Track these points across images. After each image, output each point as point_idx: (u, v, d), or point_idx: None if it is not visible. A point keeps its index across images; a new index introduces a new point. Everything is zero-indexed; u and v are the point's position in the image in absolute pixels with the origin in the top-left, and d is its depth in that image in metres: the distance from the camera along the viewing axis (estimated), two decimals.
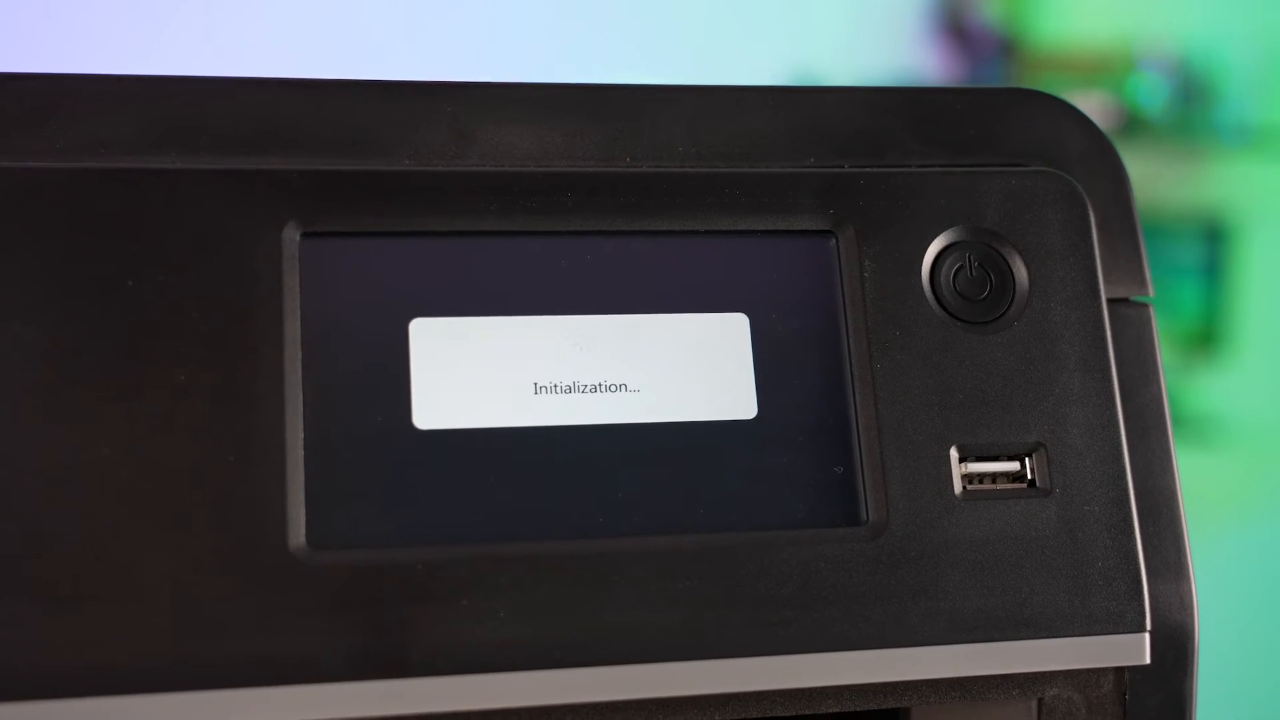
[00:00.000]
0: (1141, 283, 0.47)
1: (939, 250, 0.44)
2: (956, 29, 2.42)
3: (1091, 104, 2.26)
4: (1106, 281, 0.45)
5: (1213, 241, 2.49)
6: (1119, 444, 0.43)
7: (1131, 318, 0.46)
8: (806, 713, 0.42)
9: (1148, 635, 0.43)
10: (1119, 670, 0.44)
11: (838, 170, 0.44)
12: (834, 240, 0.44)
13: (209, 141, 0.42)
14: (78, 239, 0.39)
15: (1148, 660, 0.43)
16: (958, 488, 0.42)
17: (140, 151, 0.41)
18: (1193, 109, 2.46)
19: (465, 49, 2.12)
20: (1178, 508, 0.46)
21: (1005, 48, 2.46)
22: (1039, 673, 0.43)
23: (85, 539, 0.38)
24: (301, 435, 0.39)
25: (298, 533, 0.39)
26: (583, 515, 0.41)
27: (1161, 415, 0.46)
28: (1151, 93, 2.47)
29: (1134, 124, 2.40)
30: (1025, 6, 2.52)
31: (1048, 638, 0.42)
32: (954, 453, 0.43)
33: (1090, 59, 2.52)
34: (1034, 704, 0.44)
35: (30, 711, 0.37)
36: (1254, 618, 2.25)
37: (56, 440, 0.38)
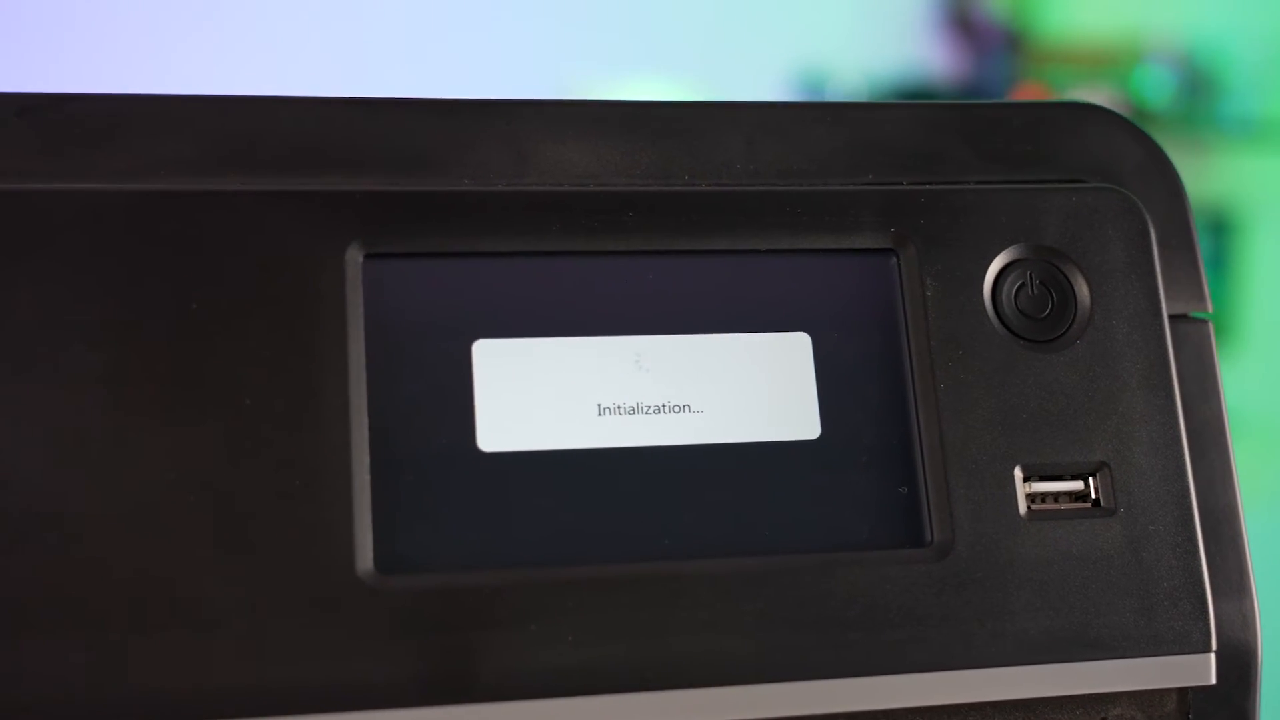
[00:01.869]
0: (1200, 298, 0.47)
1: (1000, 268, 0.44)
2: (963, 23, 2.42)
3: (1097, 98, 2.26)
4: (1165, 297, 0.45)
5: (1218, 234, 2.49)
6: (1183, 462, 0.43)
7: (1191, 334, 0.46)
8: None
9: (1213, 655, 0.43)
10: (1182, 690, 0.44)
11: (899, 187, 0.44)
12: (895, 258, 0.43)
13: (268, 162, 0.42)
14: (139, 262, 0.39)
15: (1213, 680, 0.43)
16: (1022, 508, 0.42)
17: (200, 172, 0.41)
18: (1198, 102, 2.46)
19: (476, 53, 2.12)
20: (1239, 524, 0.45)
21: (1011, 41, 2.46)
22: (1103, 693, 0.43)
23: (152, 567, 0.37)
24: (368, 459, 0.39)
25: (365, 558, 0.39)
26: (647, 537, 0.41)
27: (1222, 431, 0.46)
28: (1157, 86, 2.47)
29: (1140, 118, 2.40)
30: (1031, 0, 2.51)
31: (1113, 658, 0.42)
32: (1018, 472, 0.42)
33: (1096, 52, 2.52)
34: None
35: None
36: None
37: (122, 467, 0.38)
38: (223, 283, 0.39)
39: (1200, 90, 2.47)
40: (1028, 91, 2.47)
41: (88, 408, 0.38)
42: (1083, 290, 0.44)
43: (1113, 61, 2.51)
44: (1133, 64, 2.49)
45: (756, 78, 2.32)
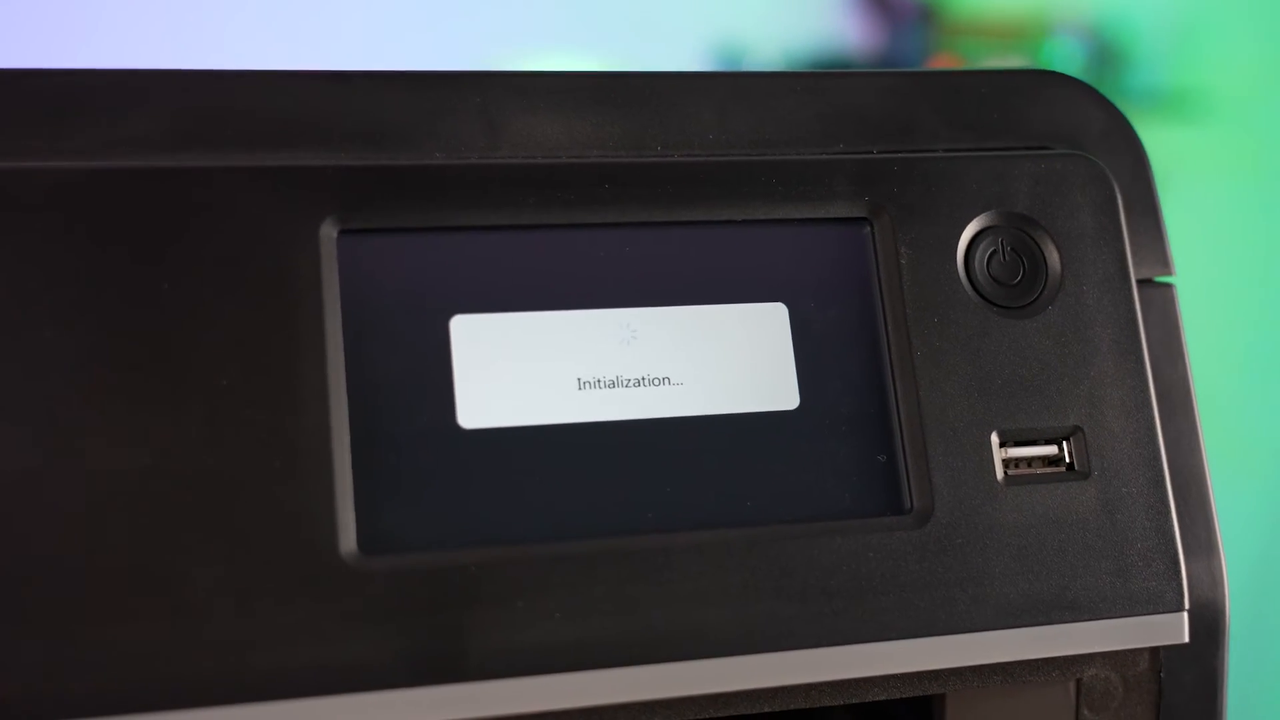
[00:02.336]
0: (1164, 262, 0.47)
1: (972, 235, 0.44)
2: None
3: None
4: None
5: None
6: (1153, 426, 0.44)
7: (1155, 298, 0.47)
8: (853, 701, 0.42)
9: (1186, 614, 0.43)
10: (1154, 649, 0.45)
11: (873, 156, 0.44)
12: (870, 227, 0.43)
13: (233, 137, 0.41)
14: (108, 242, 0.38)
15: (1186, 639, 0.43)
16: (999, 473, 0.42)
17: (163, 149, 0.40)
18: (1106, 74, 2.49)
19: (386, 30, 2.09)
20: (1206, 486, 0.46)
21: (924, 14, 2.48)
22: (1079, 654, 0.43)
23: (130, 553, 0.36)
24: (348, 439, 0.39)
25: (348, 538, 0.38)
26: (631, 511, 0.40)
27: (1187, 394, 0.46)
28: (1066, 58, 2.50)
29: None
30: None
31: (1090, 620, 0.42)
32: (994, 438, 0.43)
33: (1006, 25, 2.55)
34: (1072, 685, 0.45)
35: None
36: None
37: (97, 452, 0.37)
38: (195, 262, 0.38)
39: (1108, 62, 2.50)
40: (941, 64, 2.49)
41: (60, 393, 0.37)
42: (1053, 256, 0.44)
43: (1022, 34, 2.54)
44: (1042, 36, 2.52)
45: (673, 53, 2.31)
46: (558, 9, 2.24)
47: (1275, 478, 2.15)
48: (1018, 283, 0.44)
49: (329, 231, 0.39)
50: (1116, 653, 0.44)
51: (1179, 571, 0.43)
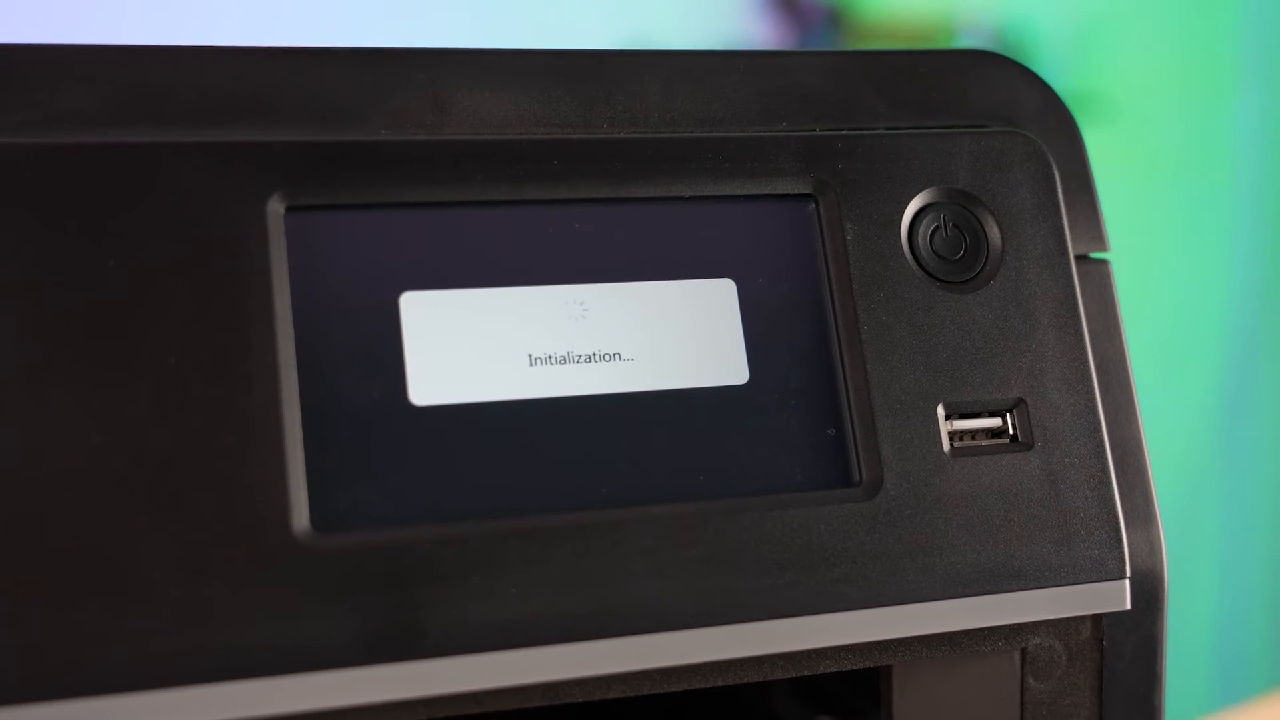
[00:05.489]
0: (1099, 239, 0.48)
1: (915, 211, 0.45)
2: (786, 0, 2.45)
3: None
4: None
5: None
6: (1093, 397, 0.45)
7: (1092, 273, 0.48)
8: (805, 673, 0.43)
9: (1128, 582, 0.44)
10: (1097, 617, 0.45)
11: (817, 134, 0.44)
12: (815, 204, 0.44)
13: (176, 113, 0.40)
14: (50, 220, 0.37)
15: (1128, 606, 0.44)
16: (945, 445, 0.43)
17: (105, 125, 0.39)
18: None
19: (308, 28, 2.07)
20: (1143, 456, 0.47)
21: (833, 18, 2.50)
22: (1023, 623, 0.44)
23: (79, 533, 0.36)
24: (299, 416, 0.38)
25: (301, 516, 0.37)
26: (584, 486, 0.40)
27: (1124, 367, 0.47)
28: None
29: None
30: None
31: (1036, 588, 0.43)
32: (940, 411, 0.43)
33: (912, 29, 2.58)
34: (1017, 655, 0.45)
35: (32, 715, 0.35)
36: None
37: (43, 431, 0.36)
38: (139, 240, 0.38)
39: None
40: None
41: (5, 373, 0.36)
42: (994, 232, 0.45)
43: (928, 38, 2.58)
44: (948, 40, 2.56)
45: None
46: (466, 7, 2.23)
47: (1183, 456, 2.20)
48: (960, 258, 0.45)
49: (276, 208, 0.39)
50: (1060, 621, 0.45)
51: (1120, 540, 0.44)
